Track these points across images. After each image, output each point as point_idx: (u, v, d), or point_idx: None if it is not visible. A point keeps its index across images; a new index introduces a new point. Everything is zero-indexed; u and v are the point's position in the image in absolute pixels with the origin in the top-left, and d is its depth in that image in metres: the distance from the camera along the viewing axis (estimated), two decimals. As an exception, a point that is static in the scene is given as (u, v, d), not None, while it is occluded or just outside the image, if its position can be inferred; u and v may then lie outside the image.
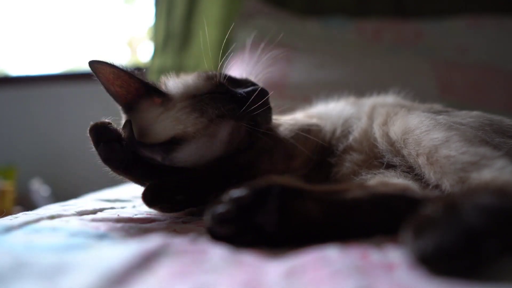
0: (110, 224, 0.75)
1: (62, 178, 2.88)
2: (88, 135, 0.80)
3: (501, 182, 0.56)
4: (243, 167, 0.86)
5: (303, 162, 0.92)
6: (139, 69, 0.91)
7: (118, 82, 0.85)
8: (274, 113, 0.96)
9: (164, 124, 0.85)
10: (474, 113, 0.83)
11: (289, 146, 0.90)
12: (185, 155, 0.84)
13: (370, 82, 1.67)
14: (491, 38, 1.93)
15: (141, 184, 0.87)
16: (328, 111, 1.06)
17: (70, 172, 2.92)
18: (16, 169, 2.75)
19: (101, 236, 0.66)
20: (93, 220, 0.77)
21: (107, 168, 0.84)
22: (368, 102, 1.03)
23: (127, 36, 3.65)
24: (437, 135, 0.70)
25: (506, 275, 0.45)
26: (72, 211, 0.83)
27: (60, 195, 2.34)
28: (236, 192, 0.60)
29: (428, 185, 0.71)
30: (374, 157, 0.87)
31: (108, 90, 0.86)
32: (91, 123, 0.80)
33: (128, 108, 0.89)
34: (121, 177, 0.87)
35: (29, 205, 2.29)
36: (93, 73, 0.84)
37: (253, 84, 0.95)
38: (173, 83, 0.91)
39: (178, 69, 2.37)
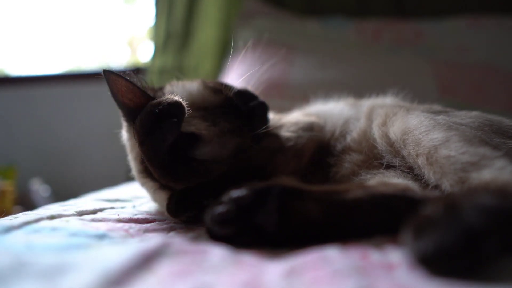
0: (110, 224, 0.75)
1: (62, 178, 2.88)
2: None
3: (501, 182, 0.56)
4: (259, 168, 0.85)
5: (310, 160, 0.92)
6: (142, 75, 0.90)
7: (130, 95, 0.82)
8: (275, 113, 0.97)
9: None
10: (474, 113, 0.82)
11: (297, 145, 0.90)
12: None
13: (370, 82, 1.67)
14: (491, 38, 1.93)
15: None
16: (328, 111, 1.06)
17: (70, 172, 2.93)
18: (16, 169, 2.75)
19: (101, 236, 0.66)
20: (93, 220, 0.77)
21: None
22: (367, 103, 1.03)
23: (127, 36, 3.64)
24: (437, 135, 0.70)
25: (506, 275, 0.45)
26: (72, 211, 0.83)
27: (60, 195, 2.34)
28: (236, 192, 0.60)
29: (427, 185, 0.71)
30: (373, 157, 0.87)
31: (116, 100, 0.83)
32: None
33: (133, 117, 0.88)
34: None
35: (29, 205, 2.29)
36: (106, 81, 0.81)
37: (255, 97, 0.94)
38: (176, 92, 0.88)
39: (178, 69, 2.38)
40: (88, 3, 3.55)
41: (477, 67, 1.81)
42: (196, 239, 0.66)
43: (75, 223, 0.73)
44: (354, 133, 0.94)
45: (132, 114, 0.85)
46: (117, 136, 0.98)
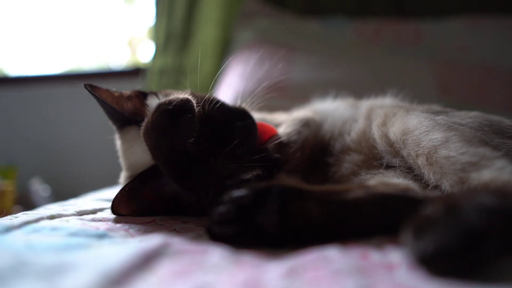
0: (110, 223, 0.75)
1: (62, 178, 2.88)
2: None
3: (501, 182, 0.56)
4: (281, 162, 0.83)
5: (310, 156, 0.93)
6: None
7: (115, 99, 0.87)
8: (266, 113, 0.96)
9: (141, 149, 0.80)
10: (473, 113, 0.83)
11: (298, 139, 0.90)
12: None
13: (370, 82, 1.67)
14: (491, 38, 1.93)
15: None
16: (327, 111, 1.06)
17: (70, 172, 2.93)
18: (16, 169, 2.75)
19: (101, 236, 0.66)
20: (93, 220, 0.77)
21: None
22: (365, 104, 1.04)
23: (127, 36, 3.64)
24: (437, 136, 0.70)
25: (506, 275, 0.45)
26: (72, 211, 0.83)
27: (60, 195, 2.34)
28: (237, 192, 0.60)
29: (427, 185, 0.71)
30: (373, 157, 0.87)
31: (105, 106, 0.87)
32: None
33: (122, 122, 0.90)
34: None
35: (29, 204, 2.29)
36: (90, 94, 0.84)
37: (243, 115, 0.85)
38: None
39: (178, 69, 2.38)
40: (88, 3, 3.55)
41: (477, 67, 1.81)
42: (196, 239, 0.66)
43: (75, 223, 0.73)
44: (353, 134, 0.94)
45: (122, 119, 0.87)
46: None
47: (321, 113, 1.05)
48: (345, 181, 0.87)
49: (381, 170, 0.83)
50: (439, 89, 1.69)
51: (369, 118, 0.93)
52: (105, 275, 0.45)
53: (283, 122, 0.98)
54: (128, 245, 0.61)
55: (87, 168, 2.88)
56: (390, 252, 0.54)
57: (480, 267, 0.45)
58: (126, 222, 0.77)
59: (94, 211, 0.87)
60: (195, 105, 0.73)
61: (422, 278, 0.45)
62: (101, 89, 0.85)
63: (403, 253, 0.51)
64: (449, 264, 0.45)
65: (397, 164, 0.81)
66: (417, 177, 0.75)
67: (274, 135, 0.88)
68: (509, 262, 0.46)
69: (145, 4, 3.41)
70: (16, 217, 0.75)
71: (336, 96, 1.19)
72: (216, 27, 2.36)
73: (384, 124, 0.85)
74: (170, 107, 0.70)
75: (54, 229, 0.67)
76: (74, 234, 0.65)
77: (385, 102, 1.05)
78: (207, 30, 2.37)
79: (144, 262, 0.51)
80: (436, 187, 0.68)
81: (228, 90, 1.69)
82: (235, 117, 0.82)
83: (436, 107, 0.93)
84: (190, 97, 0.73)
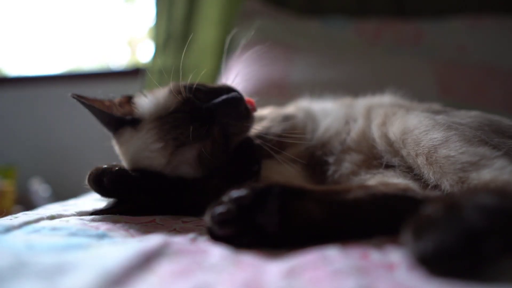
0: (110, 224, 0.75)
1: (62, 178, 2.88)
2: None
3: (501, 182, 0.56)
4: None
5: (299, 150, 0.94)
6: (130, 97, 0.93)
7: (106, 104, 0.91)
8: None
9: (133, 149, 0.86)
10: (473, 113, 0.83)
11: (276, 132, 0.94)
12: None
13: (370, 82, 1.67)
14: (491, 38, 1.93)
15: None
16: (326, 110, 1.06)
17: (70, 172, 2.92)
18: (16, 169, 2.75)
19: (101, 236, 0.66)
20: (93, 220, 0.77)
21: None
22: (363, 102, 1.04)
23: (127, 36, 3.64)
24: (436, 135, 0.70)
25: (506, 275, 0.45)
26: (72, 211, 0.83)
27: (60, 195, 2.34)
28: (237, 192, 0.60)
29: (427, 185, 0.71)
30: (373, 157, 0.87)
31: (96, 112, 0.91)
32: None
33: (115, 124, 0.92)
34: None
35: (29, 204, 2.29)
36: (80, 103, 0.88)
37: (227, 91, 0.88)
38: (144, 102, 0.89)
39: (178, 69, 2.38)
40: (88, 3, 3.55)
41: (477, 67, 1.81)
42: (196, 239, 0.66)
43: (75, 223, 0.73)
44: (353, 133, 0.94)
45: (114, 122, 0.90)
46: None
47: (321, 113, 1.05)
48: (345, 180, 0.87)
49: (381, 170, 0.83)
50: (439, 89, 1.69)
51: (368, 117, 0.93)
52: (105, 275, 0.45)
53: (267, 117, 1.02)
54: (128, 245, 0.61)
55: (87, 168, 2.87)
56: (390, 252, 0.54)
57: (480, 267, 0.45)
58: (126, 222, 0.77)
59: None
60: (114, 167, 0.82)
61: (422, 278, 0.45)
62: (91, 99, 0.89)
63: (403, 253, 0.51)
64: (449, 264, 0.45)
65: (396, 164, 0.81)
66: (417, 177, 0.75)
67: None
68: (509, 262, 0.46)
69: (145, 4, 3.41)
70: (16, 217, 0.75)
71: (333, 95, 1.19)
72: (216, 27, 2.35)
73: (383, 123, 0.85)
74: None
75: (54, 229, 0.67)
76: (74, 234, 0.65)
77: (384, 100, 1.05)
78: (207, 30, 2.37)
79: (144, 262, 0.51)
80: (436, 186, 0.68)
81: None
82: (220, 95, 0.87)
83: (436, 106, 0.93)
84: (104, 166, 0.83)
